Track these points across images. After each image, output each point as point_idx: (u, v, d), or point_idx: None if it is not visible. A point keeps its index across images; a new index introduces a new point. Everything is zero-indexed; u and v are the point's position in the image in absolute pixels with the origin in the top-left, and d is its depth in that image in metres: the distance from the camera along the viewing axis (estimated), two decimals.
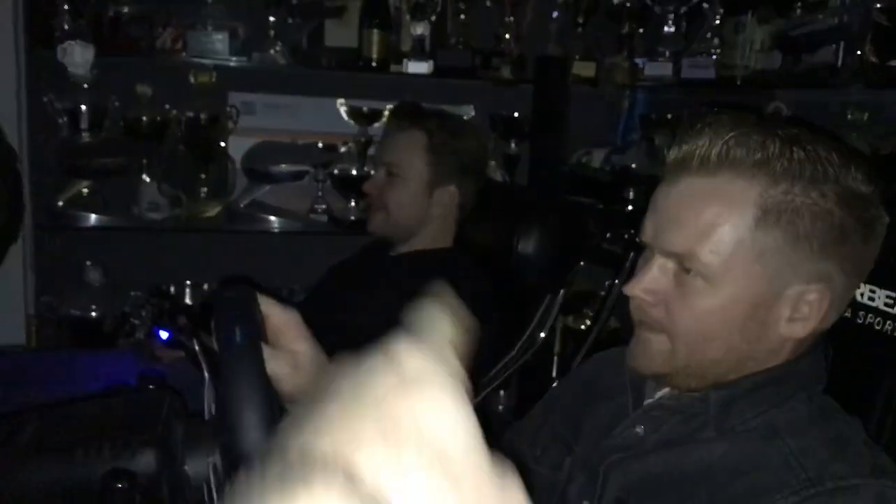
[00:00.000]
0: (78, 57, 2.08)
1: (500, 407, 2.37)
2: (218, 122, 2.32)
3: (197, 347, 1.43)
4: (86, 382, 1.61)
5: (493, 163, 2.50)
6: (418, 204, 1.76)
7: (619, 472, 0.90)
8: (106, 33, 2.19)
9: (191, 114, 2.28)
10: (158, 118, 2.28)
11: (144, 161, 2.28)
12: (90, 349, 2.19)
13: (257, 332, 0.74)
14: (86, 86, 2.15)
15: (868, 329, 1.00)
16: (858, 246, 0.84)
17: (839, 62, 1.78)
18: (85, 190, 2.26)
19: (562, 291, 1.86)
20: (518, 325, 1.87)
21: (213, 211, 2.36)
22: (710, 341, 0.86)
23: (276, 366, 0.85)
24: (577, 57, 2.42)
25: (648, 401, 0.94)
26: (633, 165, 2.38)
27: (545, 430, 1.08)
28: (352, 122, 2.45)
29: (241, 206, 2.42)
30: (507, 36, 2.46)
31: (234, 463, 0.66)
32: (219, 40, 2.24)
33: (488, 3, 2.51)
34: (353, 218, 2.42)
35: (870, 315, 0.99)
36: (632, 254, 1.82)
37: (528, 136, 2.52)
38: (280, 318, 0.84)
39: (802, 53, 1.88)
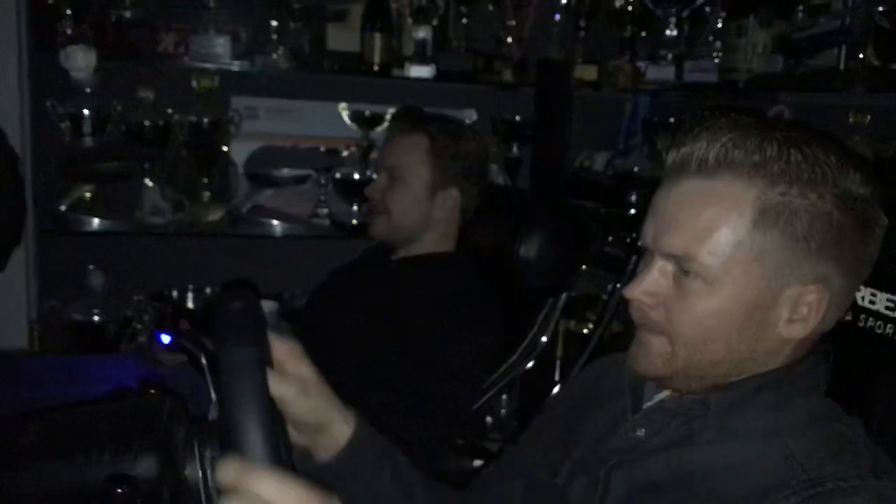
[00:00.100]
0: (80, 61, 2.09)
1: (503, 411, 2.37)
2: (220, 126, 2.32)
3: (199, 352, 1.43)
4: (88, 386, 1.61)
5: (494, 166, 2.50)
6: (420, 208, 1.76)
7: (621, 474, 0.90)
8: (108, 38, 2.20)
9: (193, 118, 2.29)
10: (161, 122, 2.29)
11: (147, 165, 2.29)
12: (93, 353, 2.19)
13: (262, 350, 0.73)
14: (88, 90, 2.16)
15: (869, 332, 1.00)
16: (857, 247, 0.85)
17: (841, 65, 1.78)
18: (87, 194, 2.26)
19: (564, 295, 1.86)
20: (520, 329, 1.87)
21: (216, 215, 2.36)
22: (710, 342, 0.86)
23: (284, 389, 0.86)
24: (579, 60, 2.43)
25: (648, 404, 0.95)
26: (636, 169, 2.37)
27: (544, 435, 1.09)
28: (354, 126, 2.45)
29: (244, 210, 2.43)
30: (509, 39, 2.47)
31: None
32: (221, 45, 2.24)
33: (490, 7, 2.51)
34: (355, 222, 2.42)
35: (871, 318, 0.99)
36: (634, 257, 1.82)
37: (530, 139, 2.52)
38: (282, 349, 0.87)
39: (804, 57, 1.88)
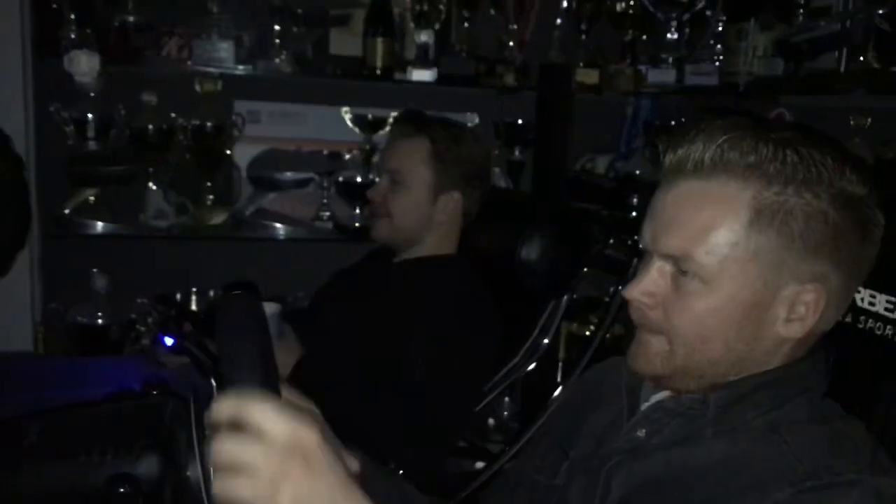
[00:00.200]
0: (84, 66, 2.10)
1: (505, 413, 2.37)
2: (223, 130, 2.33)
3: (202, 355, 1.44)
4: (91, 389, 1.61)
5: (497, 170, 2.51)
6: (422, 211, 1.77)
7: (621, 473, 0.91)
8: (112, 42, 2.21)
9: (196, 122, 2.30)
10: (164, 126, 2.30)
11: (150, 169, 2.30)
12: (96, 356, 2.20)
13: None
14: (92, 94, 2.17)
15: (868, 334, 1.00)
16: (855, 247, 0.85)
17: (842, 68, 1.78)
18: (91, 198, 2.27)
19: (565, 297, 1.87)
20: (522, 331, 1.87)
21: (219, 218, 2.37)
22: (708, 342, 0.87)
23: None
24: (580, 64, 2.43)
25: (645, 404, 0.95)
26: (637, 172, 2.37)
27: (545, 440, 1.10)
28: (356, 129, 2.46)
29: (247, 213, 2.44)
30: (511, 43, 2.48)
31: None
32: (224, 49, 2.25)
33: (492, 11, 2.52)
34: (357, 225, 2.43)
35: (870, 320, 1.00)
36: (635, 260, 1.82)
37: (532, 142, 2.52)
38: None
39: (805, 59, 1.88)
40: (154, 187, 2.31)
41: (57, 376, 1.82)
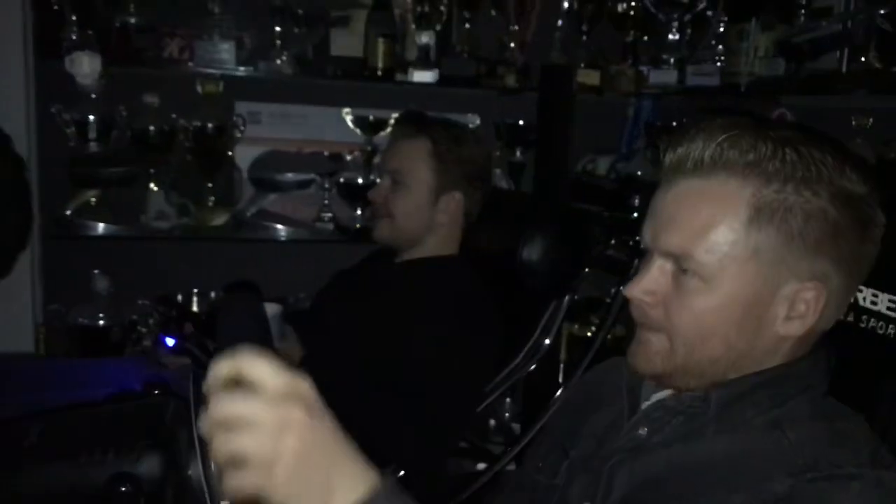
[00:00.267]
0: (86, 67, 2.10)
1: (506, 414, 2.37)
2: (224, 131, 2.33)
3: (203, 356, 1.43)
4: (93, 390, 1.61)
5: (498, 171, 2.51)
6: (423, 211, 1.77)
7: (623, 471, 0.91)
8: (113, 43, 2.21)
9: (198, 123, 2.30)
10: (165, 128, 2.30)
11: (152, 170, 2.30)
12: (97, 357, 2.19)
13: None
14: (93, 96, 2.17)
15: (871, 333, 1.00)
16: (855, 245, 0.85)
17: (843, 68, 1.78)
18: (93, 199, 2.27)
19: (567, 298, 1.86)
20: (523, 332, 1.87)
21: (220, 219, 2.37)
22: (708, 340, 0.87)
23: None
24: (581, 65, 2.42)
25: (646, 403, 0.95)
26: (639, 173, 2.37)
27: (545, 440, 1.11)
28: (357, 130, 2.46)
29: (248, 214, 2.44)
30: (512, 45, 2.48)
31: None
32: (225, 50, 2.25)
33: (493, 13, 2.52)
34: (358, 226, 2.43)
35: (872, 319, 1.00)
36: (636, 260, 1.82)
37: (534, 144, 2.52)
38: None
39: (806, 60, 1.88)
40: (155, 188, 2.31)
41: (58, 377, 1.82)
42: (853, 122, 1.83)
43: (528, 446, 1.17)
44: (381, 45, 2.31)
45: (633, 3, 2.45)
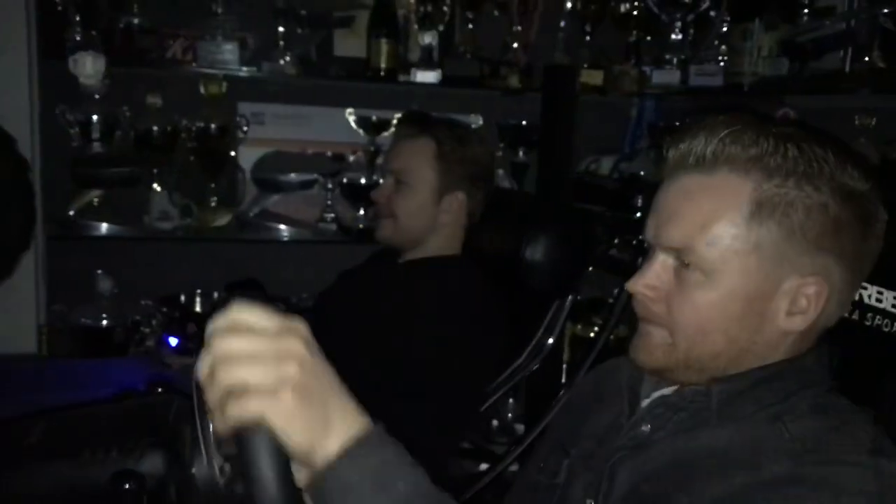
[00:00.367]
0: (89, 68, 2.11)
1: (509, 415, 2.36)
2: (227, 132, 2.34)
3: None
4: (96, 389, 1.62)
5: (501, 171, 2.51)
6: (426, 211, 1.76)
7: (626, 466, 0.91)
8: (117, 44, 2.21)
9: (201, 124, 2.30)
10: (169, 128, 2.30)
11: (155, 171, 2.30)
12: (101, 358, 2.20)
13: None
14: (97, 96, 2.17)
15: (876, 331, 1.00)
16: (857, 241, 0.86)
17: (847, 68, 1.78)
18: (96, 200, 2.28)
19: (570, 297, 1.86)
20: (526, 331, 1.87)
21: (223, 220, 2.37)
22: (709, 334, 0.87)
23: None
24: (584, 65, 2.43)
25: (646, 401, 0.95)
26: (642, 173, 2.37)
27: (546, 441, 1.12)
28: (360, 131, 2.46)
29: (251, 215, 2.44)
30: (515, 45, 2.48)
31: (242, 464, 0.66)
32: (228, 51, 2.26)
33: (496, 13, 2.52)
34: (361, 226, 2.43)
35: (878, 317, 0.99)
36: (640, 260, 1.82)
37: (537, 144, 2.52)
38: None
39: (810, 59, 1.88)
40: (158, 189, 2.31)
41: (61, 378, 1.82)
42: (857, 122, 1.83)
43: (531, 447, 1.17)
44: (384, 46, 2.31)
45: (636, 4, 2.45)
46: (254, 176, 2.46)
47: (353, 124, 2.46)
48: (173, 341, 1.89)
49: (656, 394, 0.95)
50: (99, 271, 2.28)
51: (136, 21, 2.25)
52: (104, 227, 2.26)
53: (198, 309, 2.34)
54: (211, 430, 0.69)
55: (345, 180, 2.46)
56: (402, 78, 2.36)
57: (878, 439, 0.82)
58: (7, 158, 1.98)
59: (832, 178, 0.83)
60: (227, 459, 0.70)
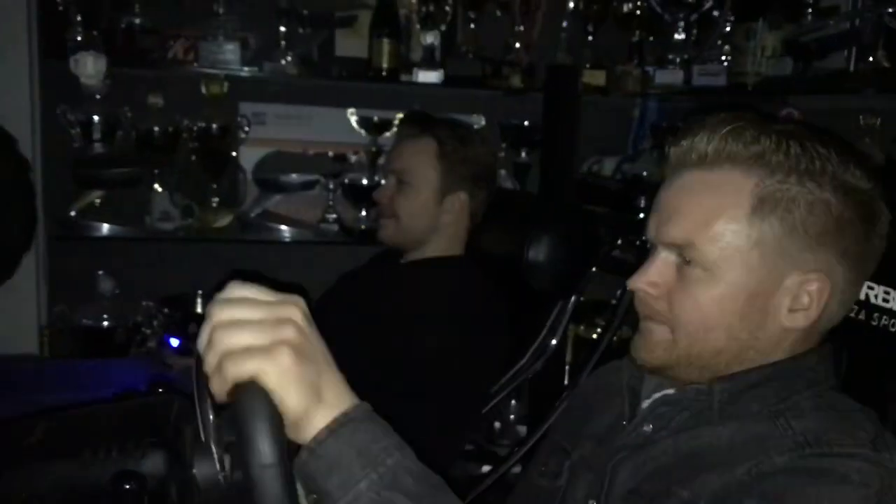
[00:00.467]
0: (90, 68, 2.10)
1: (512, 416, 2.35)
2: (229, 132, 2.33)
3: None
4: (97, 390, 1.61)
5: (503, 171, 2.50)
6: (429, 212, 1.76)
7: (628, 467, 0.91)
8: (118, 44, 2.21)
9: (202, 124, 2.30)
10: (170, 128, 2.30)
11: (156, 171, 2.30)
12: (102, 358, 2.19)
13: None
14: (98, 97, 2.17)
15: (883, 331, 0.99)
16: (859, 239, 0.86)
17: (851, 67, 1.77)
18: (97, 200, 2.28)
19: (573, 298, 1.85)
20: (529, 332, 1.86)
21: (225, 221, 2.37)
22: (711, 330, 0.87)
23: None
24: (587, 65, 2.43)
25: (647, 401, 0.95)
26: (645, 174, 2.37)
27: (547, 444, 1.11)
28: (362, 131, 2.46)
29: (252, 215, 2.44)
30: (517, 45, 2.47)
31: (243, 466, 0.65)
32: (230, 51, 2.25)
33: (498, 13, 2.52)
34: (363, 227, 2.42)
35: (884, 317, 0.99)
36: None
37: (539, 144, 2.52)
38: None
39: (814, 59, 1.87)
40: (160, 189, 2.31)
41: (62, 378, 1.82)
42: (861, 122, 1.82)
43: (533, 448, 1.17)
44: (385, 46, 2.31)
45: (638, 3, 2.44)
46: (255, 176, 2.45)
47: (354, 124, 2.45)
48: (174, 342, 1.88)
49: (658, 394, 0.95)
50: (100, 272, 2.28)
51: (137, 21, 2.25)
52: (105, 227, 2.26)
53: (199, 310, 2.33)
54: (211, 418, 0.69)
55: (346, 181, 2.45)
56: (403, 78, 2.35)
57: (881, 435, 0.82)
58: (8, 158, 1.97)
59: (834, 175, 0.83)
60: (227, 449, 0.69)
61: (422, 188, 1.75)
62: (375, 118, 2.43)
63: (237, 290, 0.69)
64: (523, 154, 2.60)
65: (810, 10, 1.93)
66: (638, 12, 2.45)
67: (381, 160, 2.40)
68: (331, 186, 2.44)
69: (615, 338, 1.89)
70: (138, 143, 2.29)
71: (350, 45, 2.44)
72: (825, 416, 0.84)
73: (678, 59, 2.24)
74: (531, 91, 2.44)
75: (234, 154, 2.40)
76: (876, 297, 0.99)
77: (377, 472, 0.69)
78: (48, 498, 0.71)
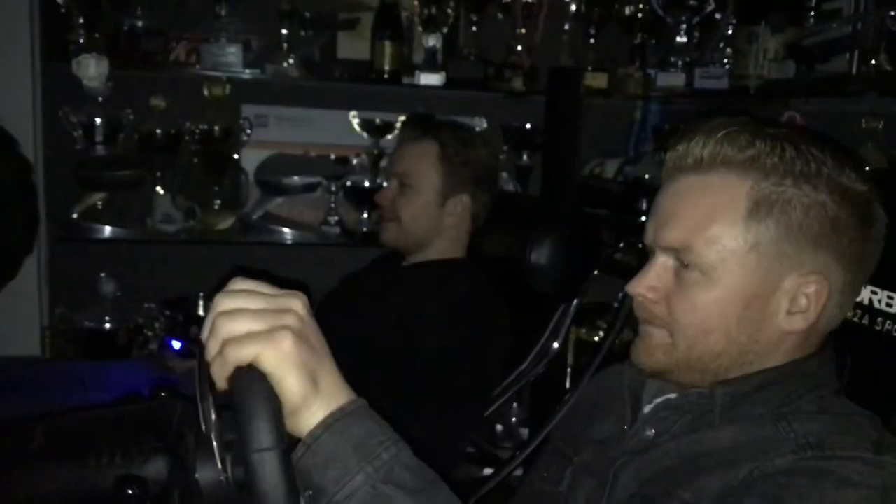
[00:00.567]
0: (93, 70, 2.10)
1: (514, 419, 2.35)
2: (231, 134, 2.33)
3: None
4: (100, 392, 1.61)
5: (505, 174, 2.50)
6: (431, 214, 1.76)
7: (630, 471, 0.91)
8: (120, 47, 2.21)
9: (204, 126, 2.30)
10: (172, 131, 2.30)
11: (158, 173, 2.30)
12: (104, 360, 2.19)
13: None
14: (100, 99, 2.17)
15: (887, 336, 0.99)
16: (856, 241, 0.86)
17: (853, 71, 1.77)
18: (99, 202, 2.27)
19: (575, 301, 1.85)
20: (531, 335, 1.86)
21: (227, 223, 2.37)
22: (710, 333, 0.88)
23: None
24: (589, 68, 2.42)
25: (648, 406, 0.95)
26: (647, 176, 2.36)
27: (549, 449, 1.12)
28: (364, 134, 2.46)
29: (254, 217, 2.44)
30: (519, 47, 2.47)
31: (245, 469, 0.65)
32: (232, 53, 2.25)
33: (500, 15, 2.51)
34: (365, 229, 2.42)
35: (888, 322, 0.99)
36: None
37: (541, 147, 2.52)
38: None
39: (816, 62, 1.87)
40: (162, 191, 2.31)
41: (64, 380, 1.82)
42: (864, 125, 1.82)
43: (535, 451, 1.17)
44: (387, 48, 2.31)
45: (640, 6, 2.44)
46: (257, 178, 2.45)
47: (356, 127, 2.45)
48: (176, 344, 1.88)
49: (659, 399, 0.95)
50: (102, 274, 2.28)
51: (139, 23, 2.25)
52: (107, 229, 2.26)
53: (201, 312, 2.34)
54: (213, 411, 0.69)
55: (348, 183, 2.45)
56: (405, 80, 2.35)
57: (883, 438, 0.82)
58: (10, 160, 1.98)
59: (830, 177, 0.84)
60: (229, 448, 0.69)
61: (424, 191, 1.75)
62: (377, 120, 2.43)
63: (240, 283, 0.71)
64: (525, 156, 2.59)
65: (813, 13, 1.93)
66: (640, 15, 2.45)
67: (383, 162, 2.40)
68: (333, 189, 2.44)
69: (617, 341, 1.89)
70: (140, 146, 2.29)
71: (352, 47, 2.44)
72: (827, 420, 0.84)
73: (680, 62, 2.24)
74: (533, 93, 2.44)
75: (236, 156, 2.40)
76: (879, 301, 0.99)
77: (373, 465, 0.69)
78: (50, 502, 0.71)
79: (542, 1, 2.47)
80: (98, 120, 2.20)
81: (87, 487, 0.71)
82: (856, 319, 0.98)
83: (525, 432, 2.29)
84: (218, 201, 2.36)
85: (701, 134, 0.88)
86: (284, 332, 0.67)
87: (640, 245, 2.03)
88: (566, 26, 2.52)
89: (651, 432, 0.92)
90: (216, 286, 0.73)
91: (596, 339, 2.34)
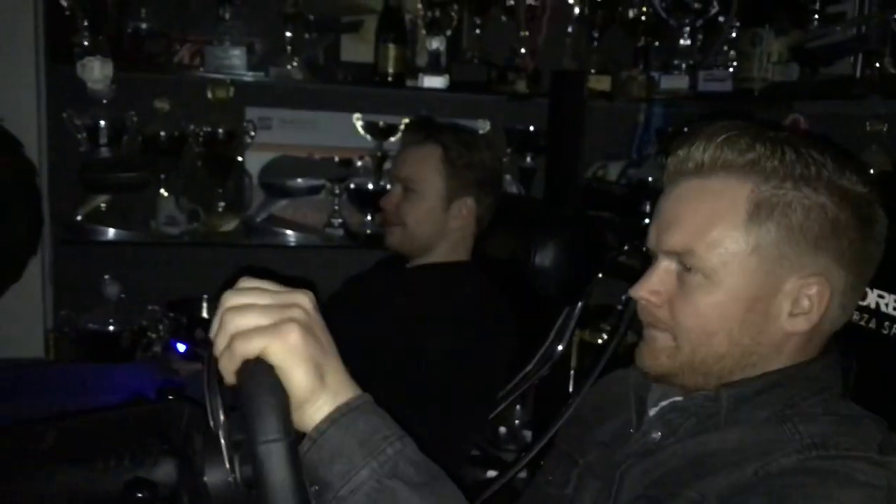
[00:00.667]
0: (97, 73, 2.11)
1: (517, 421, 2.35)
2: (235, 136, 2.34)
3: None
4: (105, 395, 1.61)
5: (508, 177, 2.50)
6: (435, 218, 1.76)
7: (635, 472, 0.92)
8: (125, 49, 2.21)
9: (208, 129, 2.30)
10: (176, 133, 2.30)
11: (162, 176, 2.30)
12: (108, 363, 2.19)
13: None
14: (104, 101, 2.18)
15: (894, 340, 0.99)
16: (856, 242, 0.86)
17: (858, 73, 1.77)
18: (103, 204, 2.28)
19: (579, 304, 1.85)
20: (535, 338, 1.86)
21: (230, 225, 2.37)
22: (712, 336, 0.88)
23: None
24: (592, 71, 2.42)
25: (654, 409, 0.95)
26: (650, 179, 2.36)
27: (554, 452, 1.12)
28: (368, 136, 2.46)
29: (258, 220, 2.44)
30: (523, 50, 2.48)
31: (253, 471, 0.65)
32: (236, 56, 2.26)
33: (504, 18, 2.52)
34: (368, 232, 2.43)
35: (895, 326, 0.99)
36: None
37: (544, 149, 2.52)
38: None
39: (820, 65, 1.87)
40: (166, 194, 2.31)
41: (68, 383, 1.82)
42: (868, 128, 1.82)
43: (539, 454, 1.17)
44: (391, 51, 2.31)
45: (644, 9, 2.44)
46: (261, 181, 2.46)
47: (360, 129, 2.46)
48: (181, 347, 1.89)
49: (665, 402, 0.95)
50: (106, 276, 2.28)
51: (143, 26, 2.26)
52: (111, 231, 2.26)
53: (205, 314, 2.34)
54: (221, 410, 0.69)
55: (352, 185, 2.45)
56: (409, 83, 2.36)
57: (888, 440, 0.82)
58: (14, 162, 1.98)
59: (830, 180, 0.84)
60: (237, 447, 0.69)
61: (428, 195, 1.75)
62: (381, 123, 2.43)
63: (248, 281, 0.72)
64: (528, 159, 2.60)
65: (817, 15, 1.93)
66: (643, 18, 2.45)
67: (387, 165, 2.40)
68: (336, 191, 2.44)
69: (620, 344, 1.89)
70: (144, 148, 2.30)
71: (356, 50, 2.44)
72: (833, 421, 0.84)
73: (684, 65, 2.24)
74: (536, 96, 2.45)
75: (239, 158, 2.40)
76: (886, 305, 0.99)
77: (378, 460, 0.70)
78: None
79: (545, 4, 2.48)
80: (102, 122, 2.20)
81: (96, 491, 0.71)
82: (863, 323, 0.98)
83: (529, 435, 2.29)
84: (222, 203, 2.36)
85: (701, 138, 0.88)
86: (291, 324, 0.68)
87: (643, 248, 2.04)
88: (569, 29, 2.52)
89: (657, 434, 0.93)
90: (221, 288, 0.74)
91: (600, 341, 2.34)
